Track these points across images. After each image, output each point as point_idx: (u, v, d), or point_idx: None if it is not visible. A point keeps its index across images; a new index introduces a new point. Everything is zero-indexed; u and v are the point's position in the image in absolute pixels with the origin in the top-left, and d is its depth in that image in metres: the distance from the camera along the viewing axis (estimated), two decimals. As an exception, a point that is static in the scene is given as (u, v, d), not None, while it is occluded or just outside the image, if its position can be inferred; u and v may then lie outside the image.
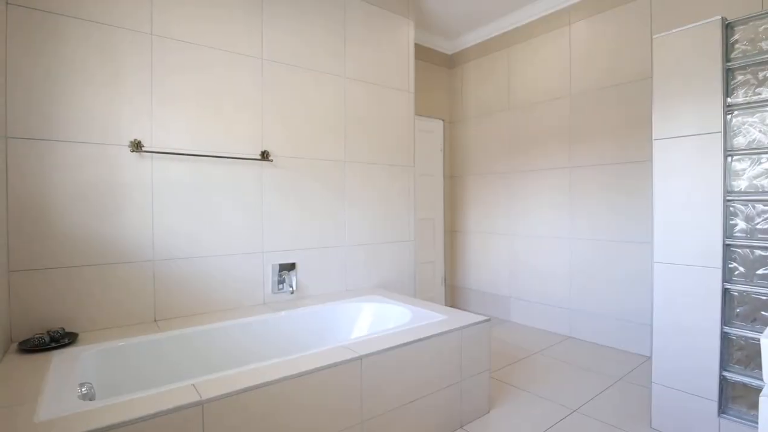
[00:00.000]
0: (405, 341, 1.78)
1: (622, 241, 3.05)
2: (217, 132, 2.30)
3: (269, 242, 2.49)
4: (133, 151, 2.00)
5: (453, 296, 4.44)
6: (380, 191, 3.04)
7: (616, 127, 3.07)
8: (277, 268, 2.51)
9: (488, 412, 2.14)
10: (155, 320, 2.10)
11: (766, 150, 1.70)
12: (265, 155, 2.44)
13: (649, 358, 2.64)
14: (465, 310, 4.06)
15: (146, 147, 2.05)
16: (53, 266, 1.84)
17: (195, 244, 2.22)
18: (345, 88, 2.84)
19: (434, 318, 2.14)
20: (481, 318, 2.12)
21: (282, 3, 2.55)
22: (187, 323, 2.06)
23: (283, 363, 1.54)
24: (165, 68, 2.12)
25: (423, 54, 4.11)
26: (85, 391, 1.46)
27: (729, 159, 1.79)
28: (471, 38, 4.14)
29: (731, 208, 1.79)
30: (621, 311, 3.06)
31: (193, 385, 1.34)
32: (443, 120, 4.36)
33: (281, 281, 2.52)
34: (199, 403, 1.25)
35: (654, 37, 1.98)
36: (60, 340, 1.72)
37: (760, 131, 1.72)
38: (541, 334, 3.45)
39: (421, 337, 1.84)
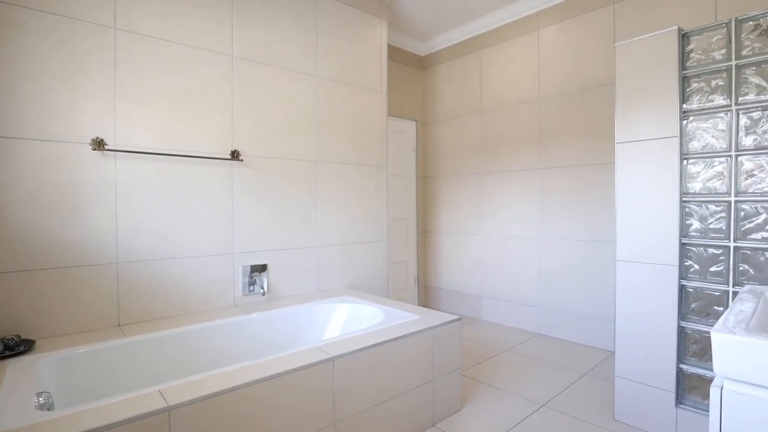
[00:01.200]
0: (377, 341, 1.79)
1: (589, 241, 3.16)
2: (186, 131, 2.24)
3: (240, 243, 2.45)
4: (95, 149, 1.93)
5: (426, 296, 4.48)
6: (353, 191, 3.04)
7: (583, 130, 3.18)
8: (248, 269, 2.47)
9: (460, 409, 2.17)
10: (119, 325, 2.02)
11: (718, 154, 1.80)
12: (235, 155, 2.40)
13: (613, 353, 2.74)
14: (437, 309, 4.11)
15: (109, 145, 1.98)
16: (7, 270, 1.75)
17: (162, 246, 2.15)
18: (317, 87, 2.82)
19: (406, 318, 2.15)
20: (452, 317, 2.15)
21: (253, 0, 2.50)
22: (153, 327, 2.00)
23: (253, 366, 1.51)
24: (130, 64, 2.05)
25: (396, 55, 4.13)
26: (43, 401, 1.40)
27: (685, 162, 1.89)
28: (443, 40, 4.19)
29: (687, 209, 1.89)
30: (588, 308, 3.17)
31: (159, 390, 1.31)
32: (416, 121, 4.39)
33: (252, 283, 2.48)
34: (166, 410, 1.22)
35: (616, 44, 2.06)
36: (15, 347, 1.64)
37: (712, 136, 1.81)
38: (512, 331, 3.54)
39: (394, 337, 1.85)
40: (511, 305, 3.68)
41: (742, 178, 1.75)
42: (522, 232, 3.59)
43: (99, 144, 1.94)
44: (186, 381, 1.38)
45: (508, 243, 3.70)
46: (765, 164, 1.69)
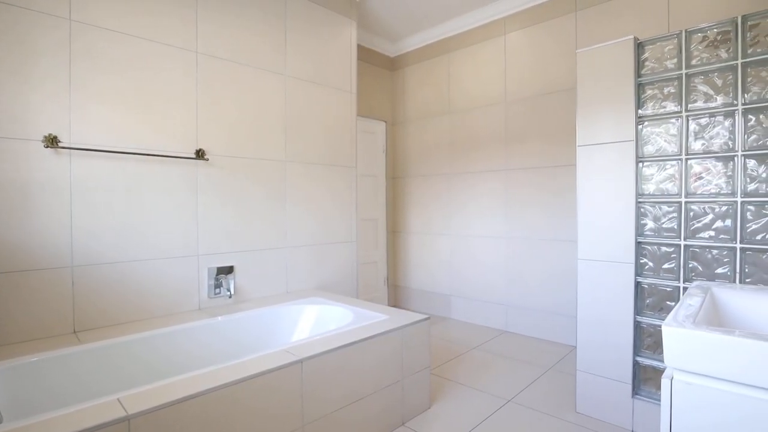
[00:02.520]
0: (346, 342, 1.78)
1: (553, 240, 3.26)
2: (147, 129, 2.16)
3: (205, 244, 2.38)
4: (48, 146, 1.83)
5: (396, 296, 4.50)
6: (322, 192, 3.02)
7: (547, 133, 3.28)
8: (214, 271, 2.41)
9: (429, 407, 2.20)
10: (75, 332, 1.93)
11: (670, 158, 1.90)
12: (200, 154, 2.33)
13: (575, 348, 2.85)
14: (407, 309, 4.14)
15: (64, 143, 1.88)
16: (-51, 275, 1.63)
17: (122, 248, 2.07)
18: (286, 86, 2.78)
19: (376, 318, 2.16)
20: (421, 317, 2.17)
21: (218, -5, 2.44)
22: (111, 334, 1.92)
23: (218, 370, 1.48)
24: (87, 58, 1.95)
25: (365, 55, 4.13)
26: (-11, 414, 1.31)
27: (640, 165, 1.98)
28: (413, 42, 4.22)
29: (642, 210, 1.98)
30: (553, 305, 3.28)
31: (119, 399, 1.26)
32: (385, 122, 4.41)
33: (218, 285, 2.42)
34: (125, 419, 1.17)
35: (577, 51, 2.14)
36: (-43, 358, 1.53)
37: (665, 140, 1.92)
38: (479, 329, 3.61)
39: (363, 337, 1.86)
40: (479, 304, 3.75)
41: (692, 180, 1.85)
42: (489, 232, 3.67)
43: (52, 141, 1.84)
44: (146, 388, 1.33)
45: (475, 243, 3.77)
46: (711, 167, 1.80)
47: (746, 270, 1.71)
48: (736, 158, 1.74)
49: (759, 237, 1.69)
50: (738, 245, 1.73)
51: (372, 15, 3.72)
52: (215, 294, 2.41)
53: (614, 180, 2.02)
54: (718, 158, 1.79)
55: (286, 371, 1.56)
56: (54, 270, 1.87)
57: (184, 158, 2.27)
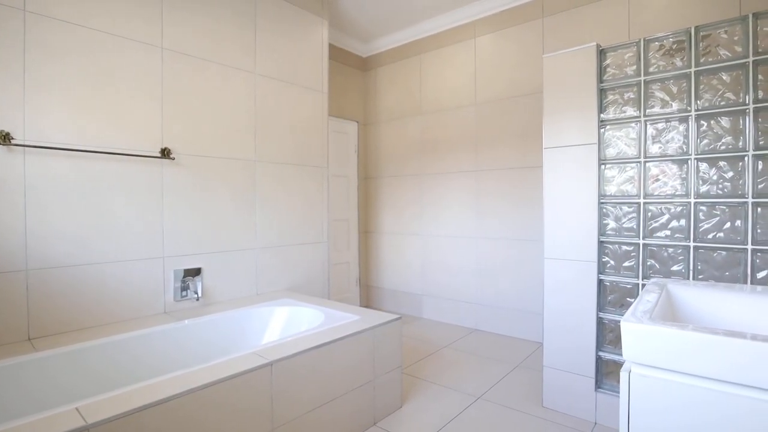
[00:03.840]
0: (317, 344, 1.77)
1: (522, 240, 3.34)
2: (109, 126, 2.07)
3: (171, 246, 2.31)
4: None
5: (368, 296, 4.50)
6: (293, 192, 2.99)
7: (517, 135, 3.36)
8: (181, 273, 2.34)
9: (401, 407, 2.21)
10: (29, 339, 1.83)
11: (629, 160, 1.99)
12: (165, 153, 2.26)
13: (542, 344, 2.93)
14: (379, 309, 4.15)
15: (17, 140, 1.79)
16: None
17: (81, 251, 1.98)
18: (256, 84, 2.73)
19: (347, 319, 2.15)
20: (392, 317, 2.18)
21: (185, -10, 2.38)
22: (69, 340, 1.83)
23: (184, 375, 1.44)
24: (43, 51, 1.86)
25: (337, 55, 4.12)
26: (-68, 428, 1.23)
27: (602, 167, 2.06)
28: (385, 42, 4.23)
29: (604, 210, 2.06)
30: (522, 303, 3.36)
31: (77, 408, 1.20)
32: (357, 122, 4.40)
33: (185, 288, 2.35)
34: (84, 429, 1.12)
35: (544, 56, 2.21)
36: None
37: (625, 144, 2.00)
38: (450, 328, 3.65)
39: (334, 338, 1.85)
40: (451, 303, 3.80)
41: (650, 182, 1.94)
42: (460, 232, 3.72)
43: (4, 138, 1.74)
44: (107, 396, 1.28)
45: (446, 242, 3.82)
46: (668, 170, 1.90)
47: (699, 267, 1.81)
48: (689, 161, 1.84)
49: (710, 236, 1.78)
50: (691, 244, 1.82)
51: (344, 15, 3.70)
52: (182, 297, 2.34)
53: (578, 181, 2.09)
54: (673, 161, 1.88)
55: (256, 374, 1.53)
56: (7, 274, 1.77)
57: (148, 157, 2.20)
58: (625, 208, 2.00)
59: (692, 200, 1.83)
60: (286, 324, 2.42)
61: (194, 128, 2.42)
